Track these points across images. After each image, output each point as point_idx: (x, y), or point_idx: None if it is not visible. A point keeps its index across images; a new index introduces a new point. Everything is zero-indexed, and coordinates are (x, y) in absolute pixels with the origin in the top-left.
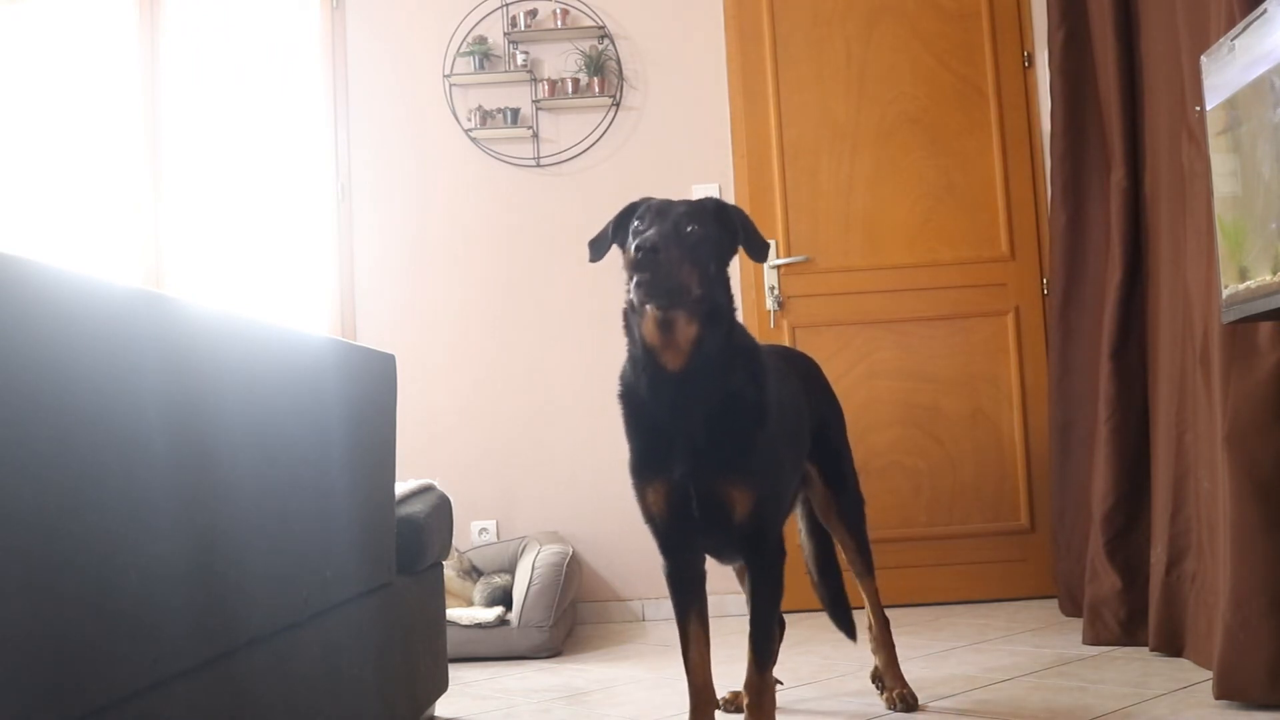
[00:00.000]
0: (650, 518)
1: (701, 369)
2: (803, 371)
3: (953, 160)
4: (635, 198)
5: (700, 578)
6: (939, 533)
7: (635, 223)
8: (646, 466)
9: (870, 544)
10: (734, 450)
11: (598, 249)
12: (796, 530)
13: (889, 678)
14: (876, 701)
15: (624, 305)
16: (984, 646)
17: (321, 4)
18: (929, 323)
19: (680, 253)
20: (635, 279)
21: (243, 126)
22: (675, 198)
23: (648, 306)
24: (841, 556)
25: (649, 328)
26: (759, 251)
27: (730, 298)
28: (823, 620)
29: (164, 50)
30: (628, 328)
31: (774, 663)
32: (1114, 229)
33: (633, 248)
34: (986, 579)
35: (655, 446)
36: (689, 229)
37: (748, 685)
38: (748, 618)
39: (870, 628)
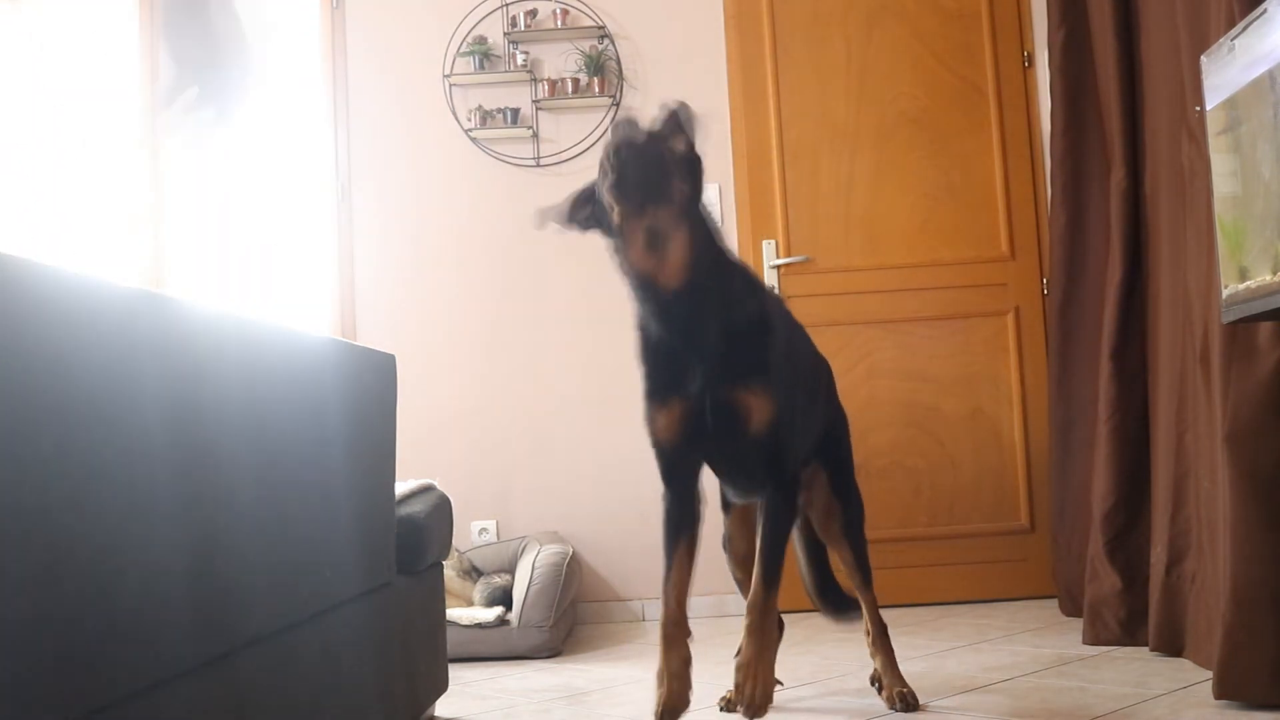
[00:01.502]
0: (658, 441)
1: (701, 284)
2: (819, 367)
3: (953, 160)
4: None
5: (697, 509)
6: (939, 533)
7: (604, 164)
8: (661, 387)
9: (869, 554)
10: (750, 359)
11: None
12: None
13: (888, 678)
14: (877, 701)
15: (620, 270)
16: (984, 646)
17: (321, 4)
18: (929, 323)
19: (650, 159)
20: (609, 183)
21: (243, 126)
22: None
23: (622, 210)
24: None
25: (636, 251)
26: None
27: (712, 219)
28: (822, 620)
29: (164, 50)
30: (624, 277)
31: (779, 582)
32: (1114, 229)
33: (608, 156)
34: (986, 579)
35: (670, 369)
36: (654, 151)
37: (751, 605)
38: (758, 537)
39: (868, 632)
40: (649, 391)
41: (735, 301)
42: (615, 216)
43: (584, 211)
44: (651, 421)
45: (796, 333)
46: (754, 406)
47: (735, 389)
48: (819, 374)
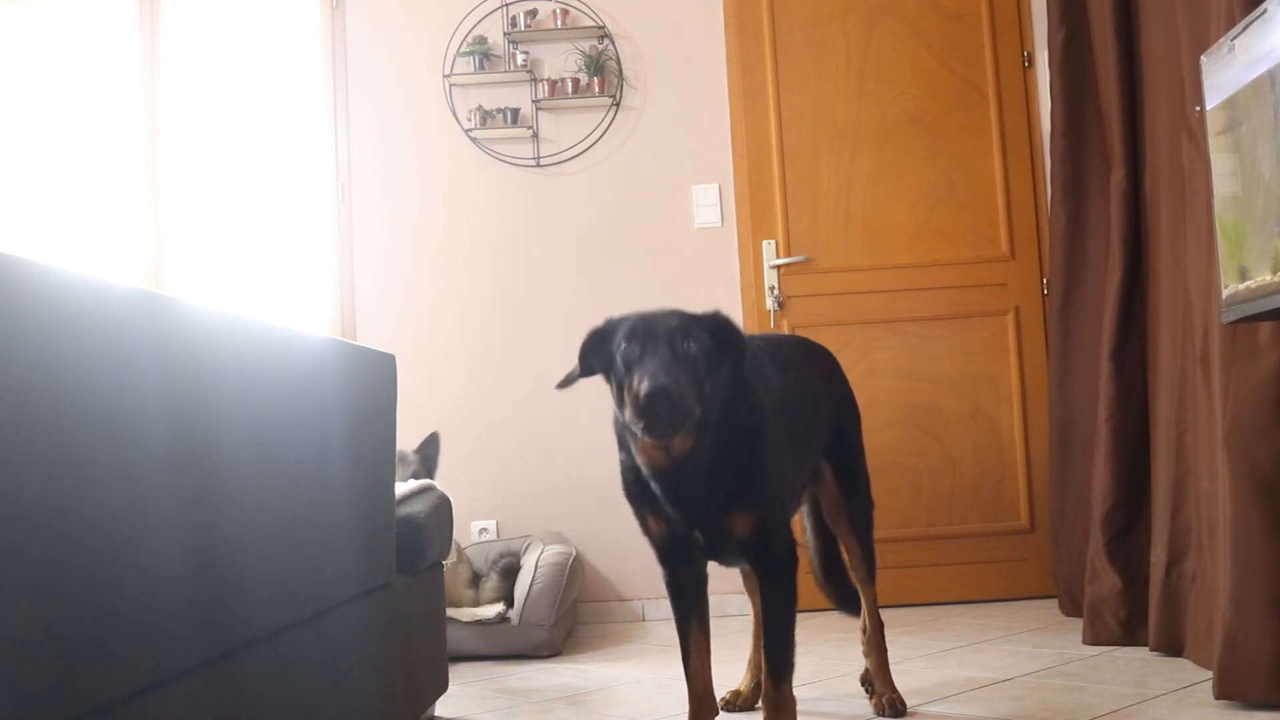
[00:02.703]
0: (648, 532)
1: (696, 459)
2: (823, 366)
3: (953, 160)
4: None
5: (701, 583)
6: (939, 533)
7: (623, 344)
8: (647, 508)
9: (875, 551)
10: (736, 486)
11: (567, 383)
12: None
13: (879, 682)
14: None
15: (614, 416)
16: (984, 646)
17: (321, 4)
18: (929, 323)
19: (682, 380)
20: (641, 422)
21: (243, 126)
22: (659, 312)
23: (648, 439)
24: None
25: (644, 448)
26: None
27: (723, 393)
28: (822, 621)
29: (164, 50)
30: (619, 436)
31: (791, 674)
32: (1114, 229)
33: (639, 391)
34: (986, 579)
35: (654, 501)
36: (685, 345)
37: (765, 699)
38: (751, 618)
39: (864, 629)
40: (633, 505)
41: (727, 455)
42: (633, 428)
43: (597, 355)
44: (641, 520)
45: (791, 372)
46: (740, 524)
47: (722, 514)
48: (817, 398)
